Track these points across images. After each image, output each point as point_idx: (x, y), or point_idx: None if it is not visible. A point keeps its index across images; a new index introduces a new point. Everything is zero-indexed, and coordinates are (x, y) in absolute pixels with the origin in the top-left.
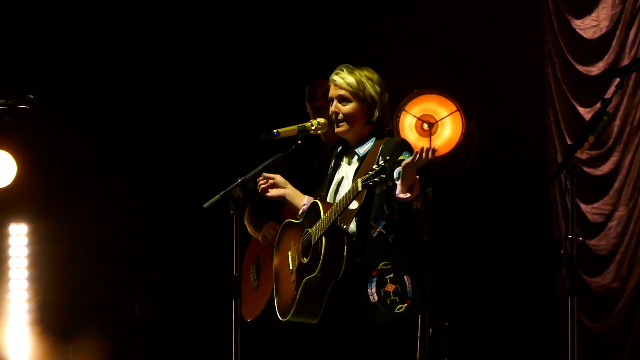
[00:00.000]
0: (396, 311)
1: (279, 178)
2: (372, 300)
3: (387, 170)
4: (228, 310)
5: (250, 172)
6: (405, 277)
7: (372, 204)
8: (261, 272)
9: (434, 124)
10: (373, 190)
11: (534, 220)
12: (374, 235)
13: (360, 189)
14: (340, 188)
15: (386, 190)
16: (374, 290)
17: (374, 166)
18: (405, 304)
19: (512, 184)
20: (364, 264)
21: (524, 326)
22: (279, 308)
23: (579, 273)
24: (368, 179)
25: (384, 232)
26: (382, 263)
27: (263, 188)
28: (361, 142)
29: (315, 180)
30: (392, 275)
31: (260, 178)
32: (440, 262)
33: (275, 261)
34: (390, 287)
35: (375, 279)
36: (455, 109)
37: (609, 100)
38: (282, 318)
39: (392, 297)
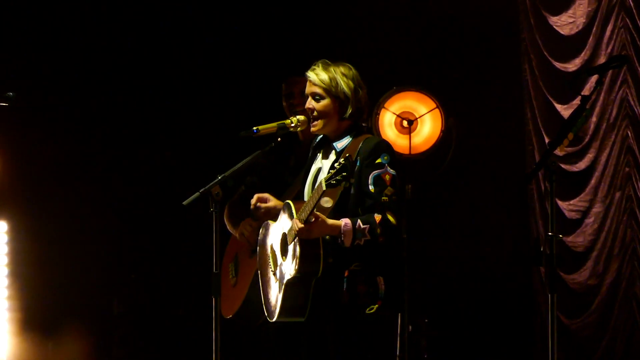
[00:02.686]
0: (367, 312)
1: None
2: (343, 300)
3: (348, 167)
4: (208, 307)
5: (229, 170)
6: (377, 278)
7: (347, 203)
8: (239, 269)
9: (413, 121)
10: (337, 188)
11: (512, 217)
12: None
13: (324, 188)
14: (317, 180)
15: (359, 191)
16: (345, 290)
17: (335, 164)
18: (376, 305)
19: (490, 181)
20: (336, 264)
21: (502, 323)
22: (266, 309)
23: (557, 270)
24: (330, 177)
25: None
26: (354, 264)
27: (258, 211)
28: (339, 137)
29: (291, 176)
30: (363, 276)
31: (254, 201)
32: (418, 259)
33: (259, 262)
34: (361, 288)
35: (346, 279)
36: (434, 106)
37: (588, 97)
38: (270, 319)
39: (363, 299)
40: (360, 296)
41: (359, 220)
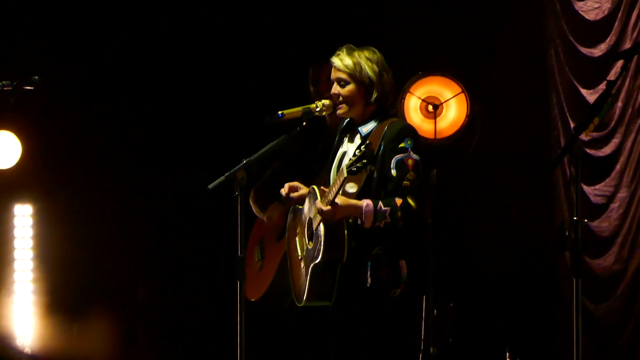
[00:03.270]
0: (390, 296)
1: (297, 183)
2: (367, 284)
3: (369, 155)
4: (232, 291)
5: (254, 154)
6: (400, 262)
7: (370, 188)
8: (265, 252)
9: (438, 105)
10: (360, 174)
11: (537, 202)
12: None
13: (345, 174)
14: (342, 163)
15: (383, 175)
16: (368, 274)
17: (357, 151)
18: (399, 289)
19: (515, 166)
20: (358, 249)
21: (527, 308)
22: (295, 293)
23: (582, 255)
24: (352, 164)
25: None
26: (377, 248)
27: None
28: (365, 122)
29: (319, 162)
30: (385, 260)
31: (286, 190)
32: (444, 244)
33: (287, 247)
34: (384, 272)
35: (369, 263)
36: (460, 90)
37: (614, 82)
38: (298, 303)
39: (385, 283)
40: (383, 280)
41: (380, 203)
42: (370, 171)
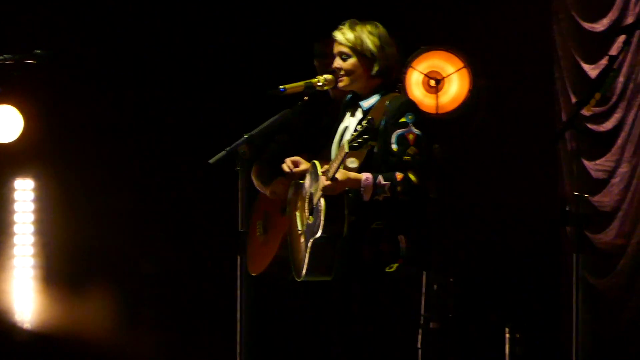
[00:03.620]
0: (387, 270)
1: (298, 158)
2: (365, 258)
3: (370, 130)
4: (234, 265)
5: (256, 128)
6: (399, 236)
7: (371, 163)
8: (269, 227)
9: (440, 80)
10: (362, 149)
11: (539, 177)
12: None
13: (347, 149)
14: (343, 138)
15: (384, 150)
16: (367, 248)
17: (358, 127)
18: (397, 264)
19: (517, 140)
20: (358, 222)
21: (528, 283)
22: (294, 268)
23: (583, 230)
24: (353, 139)
25: None
26: (376, 222)
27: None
28: (367, 96)
29: (324, 137)
30: (384, 234)
31: (287, 165)
32: (445, 219)
33: (288, 221)
34: (382, 246)
35: (368, 237)
36: (462, 65)
37: (616, 57)
38: (297, 278)
39: (384, 257)
40: (382, 254)
41: (379, 176)
42: (371, 146)
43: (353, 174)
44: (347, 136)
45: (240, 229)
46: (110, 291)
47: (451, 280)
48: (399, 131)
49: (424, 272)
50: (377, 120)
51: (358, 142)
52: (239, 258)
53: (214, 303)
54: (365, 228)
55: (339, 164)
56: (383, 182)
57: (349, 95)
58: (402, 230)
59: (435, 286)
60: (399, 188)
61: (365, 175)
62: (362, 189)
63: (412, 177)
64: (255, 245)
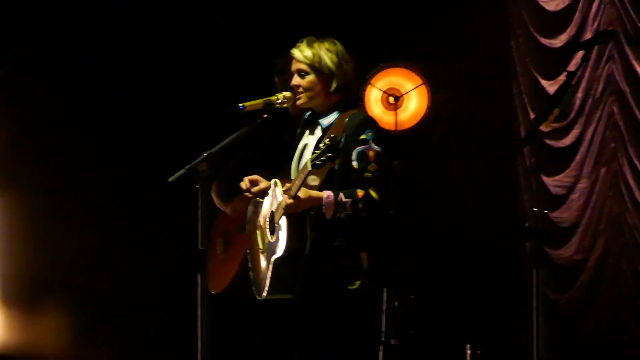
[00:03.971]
0: (349, 287)
1: (257, 177)
2: (327, 275)
3: (333, 148)
4: (194, 284)
5: (216, 146)
6: (361, 253)
7: (332, 180)
8: (229, 245)
9: (399, 97)
10: (323, 167)
11: (498, 193)
12: None
13: (310, 168)
14: (303, 156)
15: (345, 167)
16: (329, 266)
17: (321, 145)
18: (359, 281)
19: (476, 156)
20: (320, 240)
21: (489, 299)
22: (255, 287)
23: (543, 246)
24: (316, 158)
25: None
26: (337, 240)
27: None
28: (326, 113)
29: (284, 154)
30: (346, 251)
31: (245, 184)
32: (405, 235)
33: (249, 240)
34: (344, 263)
35: (330, 254)
36: (421, 82)
37: (574, 72)
38: (258, 297)
39: (346, 273)
40: (344, 271)
41: (341, 194)
42: (333, 165)
43: (315, 192)
44: (307, 154)
45: (200, 247)
46: (69, 309)
47: (412, 296)
48: (360, 148)
49: (385, 289)
50: (337, 137)
51: (321, 161)
52: (199, 276)
53: (175, 322)
54: (327, 245)
55: (301, 182)
56: (344, 199)
57: (308, 113)
58: (364, 247)
59: (396, 303)
60: (360, 205)
61: (327, 193)
62: (323, 206)
63: (373, 193)
64: (215, 263)
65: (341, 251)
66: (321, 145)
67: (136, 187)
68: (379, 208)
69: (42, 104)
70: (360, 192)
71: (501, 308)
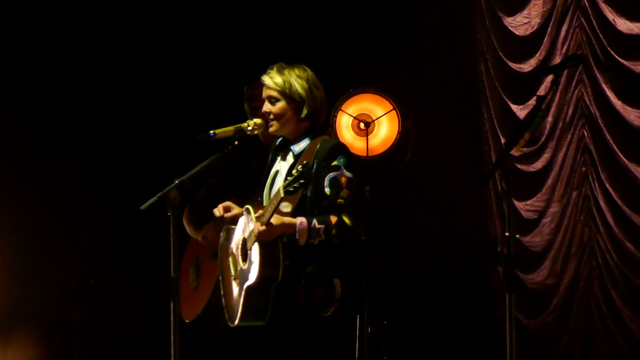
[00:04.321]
0: (322, 314)
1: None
2: (300, 302)
3: (306, 174)
4: (166, 312)
5: (187, 174)
6: (334, 280)
7: (304, 207)
8: (200, 272)
9: (370, 123)
10: (296, 194)
11: (469, 217)
12: None
13: (282, 195)
14: (275, 183)
15: (317, 194)
16: (302, 293)
17: (294, 171)
18: (332, 308)
19: (447, 181)
20: (293, 267)
21: (461, 324)
22: (227, 314)
23: (515, 271)
24: (289, 184)
25: None
26: (310, 266)
27: (222, 221)
28: (297, 139)
29: (254, 181)
30: (319, 278)
31: (219, 211)
32: (377, 260)
33: (220, 267)
34: (317, 290)
35: (303, 281)
36: (391, 107)
37: (544, 97)
38: (230, 324)
39: (319, 300)
40: (317, 298)
41: (314, 220)
42: (306, 192)
43: (287, 219)
44: (280, 180)
45: (172, 274)
46: (43, 338)
47: (385, 322)
48: (332, 174)
49: (357, 315)
50: (309, 164)
51: (294, 187)
52: (172, 304)
53: (149, 350)
54: (300, 272)
55: (273, 209)
56: (318, 225)
57: (279, 139)
58: (337, 273)
59: (369, 328)
60: (333, 231)
61: (300, 220)
62: (297, 233)
63: (346, 219)
64: (187, 291)
65: (314, 278)
66: (294, 172)
67: (107, 215)
68: (351, 234)
69: (9, 131)
70: (333, 219)
71: (473, 332)
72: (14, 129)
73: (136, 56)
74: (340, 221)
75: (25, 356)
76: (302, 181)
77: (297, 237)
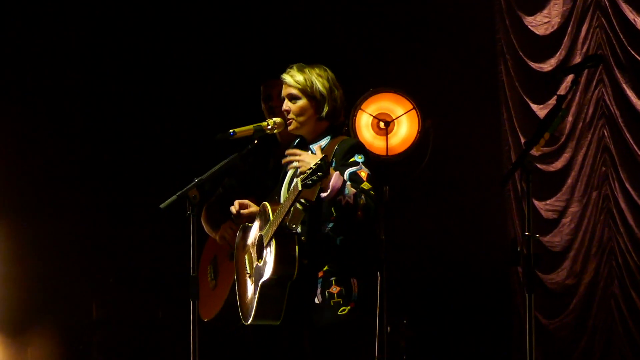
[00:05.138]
0: (339, 313)
1: (247, 201)
2: (317, 301)
3: (324, 167)
4: (186, 311)
5: (206, 173)
6: (351, 279)
7: (321, 205)
8: (219, 272)
9: (390, 122)
10: (314, 188)
11: (489, 217)
12: (321, 237)
13: (300, 188)
14: (293, 183)
15: None
16: (319, 291)
17: (312, 165)
18: (349, 307)
19: (467, 181)
20: (310, 266)
21: (480, 323)
22: (241, 312)
23: (534, 270)
24: (306, 177)
25: (332, 234)
26: (328, 265)
27: (239, 218)
28: (317, 139)
29: (271, 180)
30: (336, 277)
31: (236, 208)
32: (397, 260)
33: (236, 265)
34: (334, 289)
35: (320, 280)
36: (411, 107)
37: (564, 96)
38: (244, 322)
39: (336, 299)
40: (334, 297)
41: (349, 183)
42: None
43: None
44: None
45: (192, 273)
46: (63, 337)
47: (404, 322)
48: (351, 169)
49: (377, 314)
50: (327, 157)
51: (312, 180)
52: (191, 303)
53: (168, 349)
54: (317, 271)
55: (291, 202)
56: (351, 187)
57: (297, 140)
58: (354, 273)
59: (388, 328)
60: (362, 201)
61: (337, 173)
62: (332, 180)
63: (370, 203)
64: (206, 290)
65: (331, 277)
66: (312, 165)
67: (127, 213)
68: (373, 217)
69: (32, 129)
70: (363, 194)
71: (492, 332)
72: (36, 126)
73: (155, 54)
74: (368, 196)
75: (44, 355)
76: (319, 173)
77: (330, 185)
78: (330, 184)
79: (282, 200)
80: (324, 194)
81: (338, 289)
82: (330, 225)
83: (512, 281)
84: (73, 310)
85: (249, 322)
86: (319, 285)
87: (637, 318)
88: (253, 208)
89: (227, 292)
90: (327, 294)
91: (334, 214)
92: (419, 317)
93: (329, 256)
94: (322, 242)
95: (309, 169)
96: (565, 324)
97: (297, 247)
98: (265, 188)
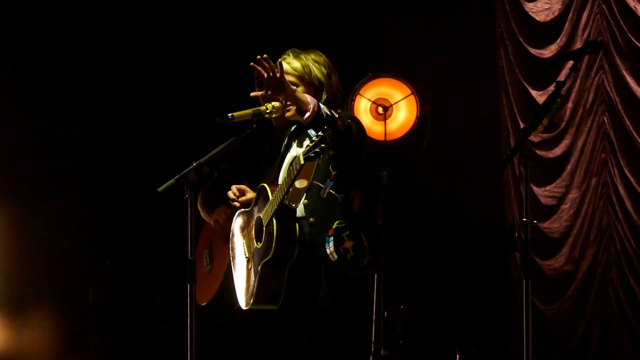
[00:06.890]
0: (359, 265)
1: (244, 187)
2: (332, 259)
3: (327, 139)
4: (183, 294)
5: (205, 156)
6: (360, 234)
7: (319, 166)
8: (214, 256)
9: (388, 107)
10: (317, 160)
11: (487, 203)
12: (324, 196)
13: (302, 162)
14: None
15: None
16: (332, 249)
17: (313, 137)
18: (366, 258)
19: (466, 167)
20: (318, 224)
21: (478, 309)
22: (239, 297)
23: (532, 256)
24: (309, 151)
25: (333, 192)
26: (337, 222)
27: (236, 200)
28: None
29: (266, 164)
30: (348, 232)
31: (233, 193)
32: (394, 245)
33: (232, 251)
34: (348, 244)
35: (332, 238)
36: (409, 92)
37: (563, 83)
38: (244, 307)
39: (352, 253)
40: (349, 251)
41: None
42: (327, 157)
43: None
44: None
45: (189, 257)
46: (61, 319)
47: (401, 306)
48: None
49: (374, 299)
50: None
51: (314, 152)
52: (188, 286)
53: (164, 332)
54: (327, 229)
55: (292, 177)
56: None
57: (294, 126)
58: (361, 228)
59: (385, 313)
60: (339, 122)
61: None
62: (309, 103)
63: (353, 127)
64: (201, 274)
65: (343, 232)
66: (314, 137)
67: (125, 196)
68: (352, 140)
69: (27, 112)
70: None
71: (490, 318)
72: (39, 115)
73: (153, 38)
74: (350, 122)
75: (41, 336)
76: (322, 145)
77: (308, 107)
78: (310, 103)
79: (280, 182)
80: (305, 117)
81: (351, 243)
82: (331, 183)
83: (510, 267)
84: (70, 292)
85: (248, 306)
86: (332, 243)
87: (635, 304)
88: (250, 194)
89: (221, 277)
90: (342, 250)
91: (332, 173)
92: (416, 302)
93: (335, 213)
94: (325, 201)
95: (311, 141)
96: (563, 310)
97: (297, 225)
98: (259, 172)
